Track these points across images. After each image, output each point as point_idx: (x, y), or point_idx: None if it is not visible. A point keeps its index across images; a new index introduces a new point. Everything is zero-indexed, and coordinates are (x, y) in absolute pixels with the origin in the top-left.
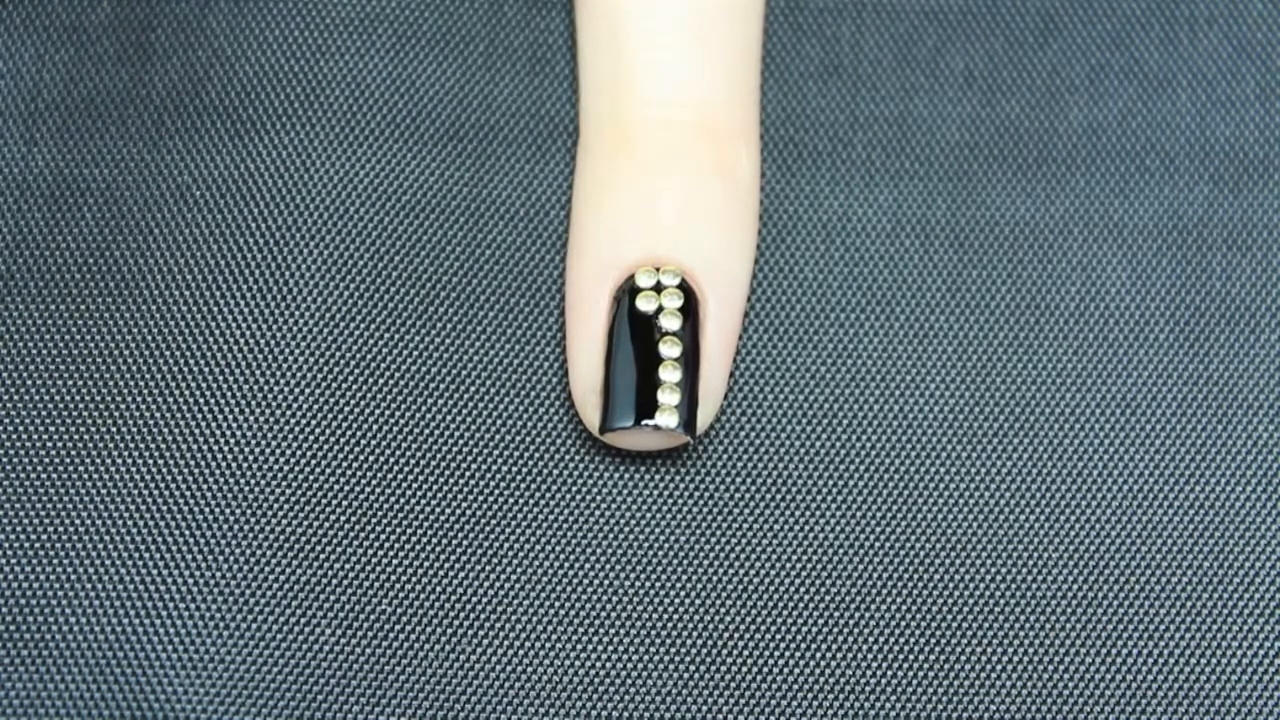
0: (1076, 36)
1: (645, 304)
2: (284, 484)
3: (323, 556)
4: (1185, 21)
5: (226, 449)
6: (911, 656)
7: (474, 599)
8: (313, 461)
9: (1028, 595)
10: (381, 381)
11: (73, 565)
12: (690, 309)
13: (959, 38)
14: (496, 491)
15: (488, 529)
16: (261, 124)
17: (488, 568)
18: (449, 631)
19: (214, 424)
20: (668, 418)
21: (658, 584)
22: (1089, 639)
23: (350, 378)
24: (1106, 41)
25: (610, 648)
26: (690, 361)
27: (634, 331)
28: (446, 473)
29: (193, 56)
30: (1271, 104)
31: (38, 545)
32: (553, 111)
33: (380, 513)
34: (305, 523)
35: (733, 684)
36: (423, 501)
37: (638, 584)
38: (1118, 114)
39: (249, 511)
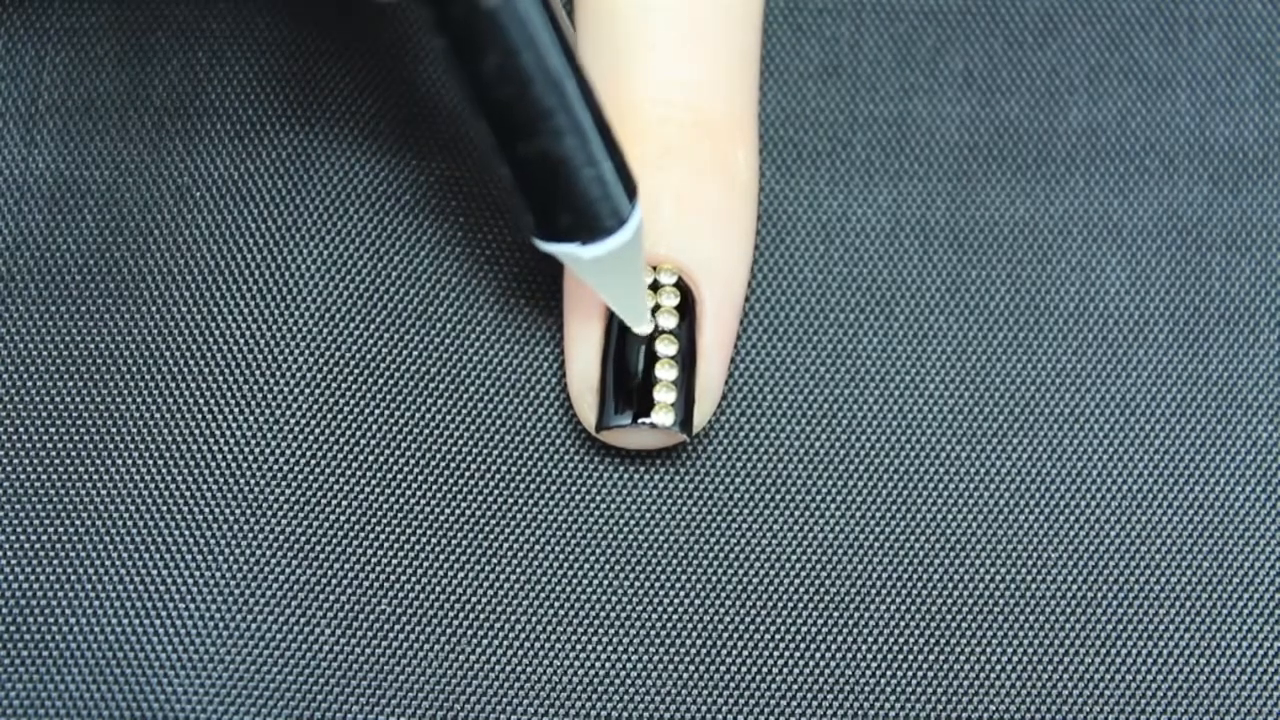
0: (1076, 36)
1: None
2: (284, 484)
3: (323, 556)
4: (1185, 22)
5: (226, 449)
6: (911, 656)
7: (474, 599)
8: (313, 461)
9: (1028, 595)
10: (381, 381)
11: (73, 565)
12: (687, 307)
13: (959, 38)
14: (496, 491)
15: (488, 529)
16: (261, 125)
17: (488, 568)
18: (449, 631)
19: (214, 424)
20: (664, 416)
21: (658, 584)
22: (1089, 639)
23: (350, 378)
24: (1106, 41)
25: (610, 648)
26: (687, 360)
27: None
28: (446, 473)
29: (192, 58)
30: (1271, 104)
31: (38, 545)
32: None
33: (380, 513)
34: (305, 523)
35: (733, 684)
36: (423, 501)
37: (638, 584)
38: (1117, 114)
39: (249, 511)
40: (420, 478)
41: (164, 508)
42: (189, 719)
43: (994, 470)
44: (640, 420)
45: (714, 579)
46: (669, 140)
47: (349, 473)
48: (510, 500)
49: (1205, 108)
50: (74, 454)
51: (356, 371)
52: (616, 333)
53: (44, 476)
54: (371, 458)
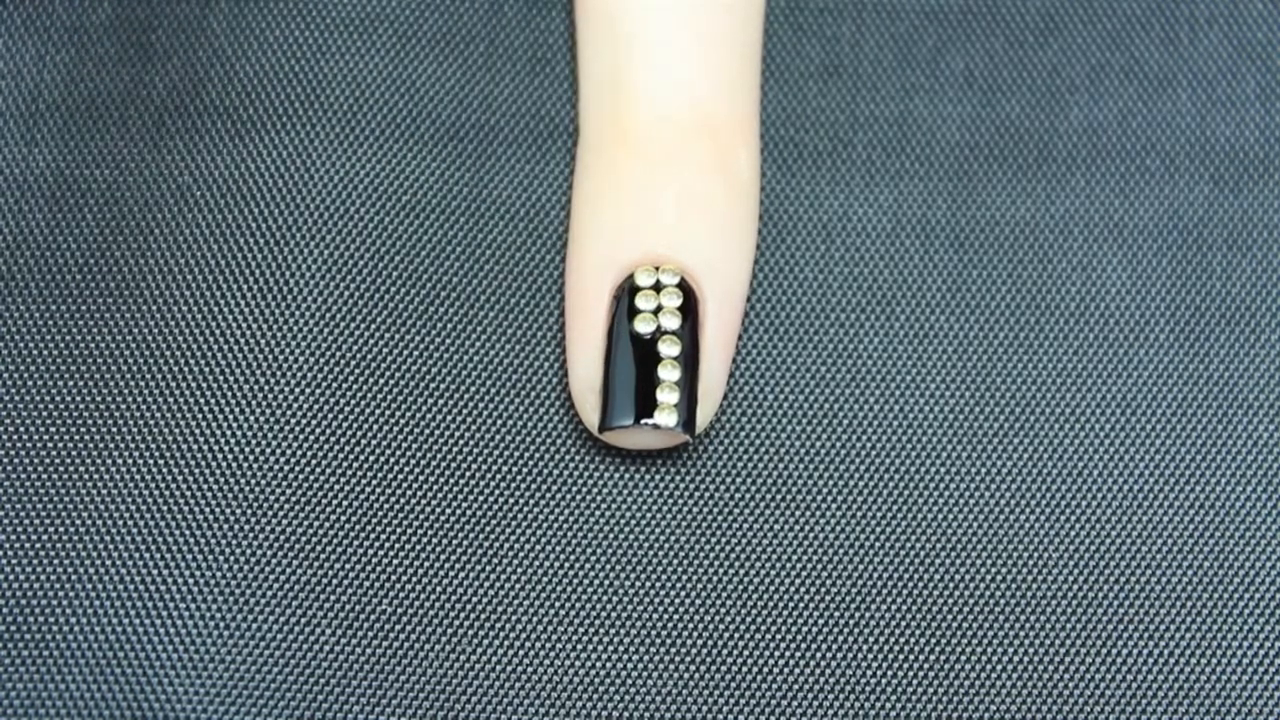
0: (1076, 36)
1: (644, 303)
2: (284, 484)
3: (323, 556)
4: (1185, 21)
5: (226, 449)
6: (911, 656)
7: (474, 599)
8: (313, 461)
9: (1028, 595)
10: (381, 381)
11: (73, 565)
12: (689, 308)
13: (959, 38)
14: (496, 491)
15: (488, 529)
16: (261, 124)
17: (488, 568)
18: (449, 631)
19: (214, 424)
20: (667, 416)
21: (658, 584)
22: (1089, 639)
23: (350, 378)
24: (1106, 41)
25: (610, 648)
26: (689, 360)
27: (633, 330)
28: (446, 473)
29: (193, 57)
30: (1272, 104)
31: (38, 545)
32: (553, 111)
33: (380, 513)
34: (305, 523)
35: (733, 684)
36: (423, 501)
37: (638, 584)
38: (1118, 114)
39: (249, 511)
40: (420, 478)
41: (164, 508)
42: (189, 719)
43: (994, 470)
44: (643, 421)
45: (714, 579)
46: (671, 141)
47: (349, 473)
48: (510, 500)
49: (1206, 107)
50: (74, 454)
51: (356, 371)
52: (619, 333)
53: (44, 476)
54: (371, 458)
